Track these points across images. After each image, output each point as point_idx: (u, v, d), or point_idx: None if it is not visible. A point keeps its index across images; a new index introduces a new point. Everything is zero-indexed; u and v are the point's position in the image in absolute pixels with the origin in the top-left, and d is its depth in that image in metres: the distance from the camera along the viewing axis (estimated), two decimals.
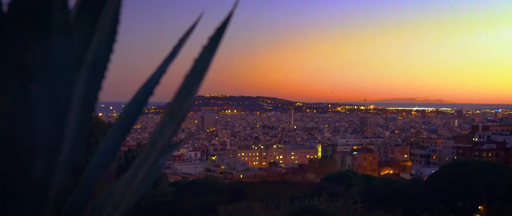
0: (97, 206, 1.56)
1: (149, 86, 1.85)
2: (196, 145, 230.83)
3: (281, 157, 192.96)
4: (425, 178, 73.39)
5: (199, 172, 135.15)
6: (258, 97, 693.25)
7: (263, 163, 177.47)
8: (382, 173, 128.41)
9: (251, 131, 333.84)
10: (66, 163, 1.44)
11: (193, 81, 1.63)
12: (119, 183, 1.61)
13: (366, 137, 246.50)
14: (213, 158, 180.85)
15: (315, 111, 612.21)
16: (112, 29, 1.52)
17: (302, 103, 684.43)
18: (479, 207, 65.92)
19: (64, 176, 1.45)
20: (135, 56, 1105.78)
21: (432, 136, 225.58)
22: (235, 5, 1.77)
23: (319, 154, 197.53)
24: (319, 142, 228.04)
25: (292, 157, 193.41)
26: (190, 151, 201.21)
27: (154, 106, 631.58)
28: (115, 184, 1.65)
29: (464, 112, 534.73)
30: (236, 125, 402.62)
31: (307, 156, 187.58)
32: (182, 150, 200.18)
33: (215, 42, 1.73)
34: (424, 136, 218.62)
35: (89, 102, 1.52)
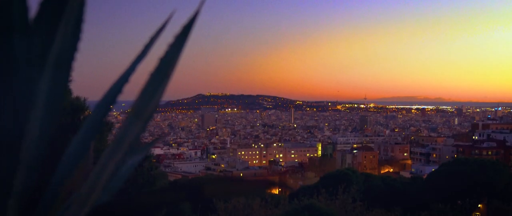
0: (66, 204, 1.54)
1: (118, 85, 1.84)
2: (196, 143, 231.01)
3: (281, 155, 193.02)
4: (425, 177, 73.41)
5: (199, 171, 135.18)
6: (258, 96, 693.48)
7: (263, 162, 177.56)
8: (382, 172, 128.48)
9: (251, 129, 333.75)
10: (31, 161, 1.41)
11: (159, 79, 1.61)
12: (85, 181, 1.58)
13: (366, 136, 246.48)
14: (213, 156, 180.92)
15: (315, 109, 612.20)
16: (76, 28, 1.51)
17: (302, 101, 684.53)
18: (479, 206, 65.99)
19: (29, 174, 1.43)
20: (133, 56, 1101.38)
21: (432, 134, 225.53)
22: (202, 3, 1.72)
23: (319, 152, 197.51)
24: (319, 141, 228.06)
25: (292, 156, 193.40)
26: (190, 149, 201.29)
27: None
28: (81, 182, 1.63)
29: (464, 110, 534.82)
30: (236, 123, 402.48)
31: (307, 155, 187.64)
32: (182, 149, 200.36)
33: (181, 40, 1.71)
34: (424, 135, 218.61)
35: (55, 100, 1.50)
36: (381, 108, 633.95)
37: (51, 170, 1.64)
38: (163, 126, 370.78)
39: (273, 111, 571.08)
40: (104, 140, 10.95)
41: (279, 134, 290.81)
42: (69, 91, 11.40)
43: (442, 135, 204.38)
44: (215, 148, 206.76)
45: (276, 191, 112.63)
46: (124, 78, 1.83)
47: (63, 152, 1.51)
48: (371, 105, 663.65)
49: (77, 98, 10.80)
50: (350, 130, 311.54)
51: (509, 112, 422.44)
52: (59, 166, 1.69)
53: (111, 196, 1.64)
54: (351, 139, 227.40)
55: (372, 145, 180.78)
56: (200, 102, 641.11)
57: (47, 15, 1.39)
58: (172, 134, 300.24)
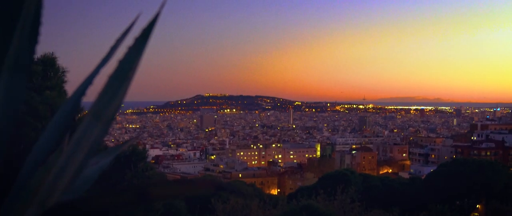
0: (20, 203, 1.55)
1: (82, 87, 1.81)
2: (195, 144, 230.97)
3: (280, 156, 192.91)
4: (423, 177, 73.42)
5: (198, 172, 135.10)
6: (257, 97, 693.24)
7: (262, 163, 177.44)
8: (381, 172, 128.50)
9: (250, 130, 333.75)
10: None
11: (119, 82, 1.61)
12: (41, 182, 1.57)
13: (365, 136, 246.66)
14: (212, 157, 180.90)
15: (314, 110, 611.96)
16: (33, 30, 1.49)
17: (301, 102, 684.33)
18: (478, 206, 65.97)
19: None
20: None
21: (431, 135, 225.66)
22: (162, 6, 1.72)
23: (318, 153, 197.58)
24: (318, 141, 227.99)
25: (291, 157, 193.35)
26: (189, 150, 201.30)
27: (153, 105, 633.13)
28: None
29: (463, 111, 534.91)
30: (235, 124, 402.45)
31: (306, 155, 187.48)
32: (181, 150, 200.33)
33: (142, 43, 1.69)
34: (423, 135, 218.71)
35: (12, 102, 1.50)
36: (380, 108, 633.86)
37: (15, 173, 1.64)
38: (162, 126, 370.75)
39: (272, 111, 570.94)
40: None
41: (278, 134, 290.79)
42: (64, 93, 11.38)
43: (441, 136, 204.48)
44: (214, 149, 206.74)
45: (275, 192, 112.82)
46: (89, 80, 1.80)
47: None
48: (370, 105, 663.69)
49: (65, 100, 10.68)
50: (349, 131, 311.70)
51: (508, 112, 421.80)
52: (24, 166, 1.68)
53: (77, 196, 1.64)
54: (350, 140, 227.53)
55: (371, 145, 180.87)
56: (199, 103, 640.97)
57: (2, 18, 1.38)
58: (171, 135, 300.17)
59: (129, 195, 1.41)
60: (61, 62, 11.76)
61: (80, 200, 1.56)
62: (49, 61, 11.26)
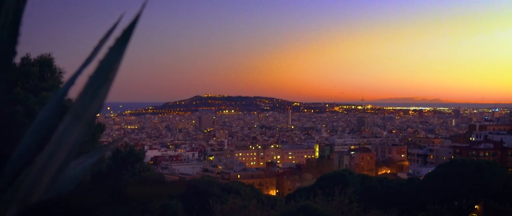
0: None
1: (65, 88, 1.82)
2: (193, 145, 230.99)
3: (278, 157, 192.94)
4: (422, 178, 73.52)
5: (196, 173, 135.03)
6: (255, 97, 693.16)
7: (261, 163, 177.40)
8: (379, 173, 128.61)
9: (248, 131, 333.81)
10: None
11: (99, 82, 1.62)
12: (22, 182, 1.58)
13: (364, 137, 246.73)
14: (211, 158, 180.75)
15: (312, 111, 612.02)
16: (13, 29, 1.50)
17: (299, 103, 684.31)
18: (476, 207, 66.06)
19: None
20: (131, 58, 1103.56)
21: (430, 135, 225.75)
22: (143, 6, 1.72)
23: (317, 154, 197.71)
24: (317, 142, 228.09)
25: (290, 157, 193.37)
26: (187, 151, 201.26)
27: (151, 106, 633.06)
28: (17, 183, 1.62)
29: (461, 112, 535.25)
30: (234, 125, 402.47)
31: (305, 156, 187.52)
32: (180, 151, 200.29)
33: (122, 43, 1.69)
34: (422, 136, 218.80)
35: None
36: (379, 109, 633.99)
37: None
38: (161, 127, 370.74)
39: (270, 112, 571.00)
40: (96, 141, 10.95)
41: (277, 135, 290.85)
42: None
43: (440, 136, 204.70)
44: (212, 150, 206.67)
45: (273, 193, 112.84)
46: (71, 81, 1.80)
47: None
48: (369, 106, 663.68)
49: (69, 100, 10.73)
50: (347, 132, 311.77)
51: (507, 113, 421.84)
52: (6, 167, 1.70)
53: (58, 196, 1.54)
54: (349, 141, 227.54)
55: (369, 146, 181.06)
56: (198, 103, 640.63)
57: None
58: (169, 135, 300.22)
59: (105, 194, 1.42)
60: (58, 63, 11.79)
61: (57, 198, 1.56)
62: (46, 62, 11.28)
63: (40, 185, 1.53)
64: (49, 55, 11.63)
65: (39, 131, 1.79)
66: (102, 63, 1.65)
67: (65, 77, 11.80)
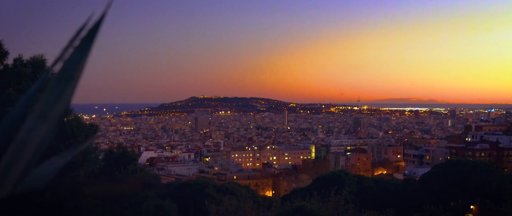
0: None
1: (34, 88, 1.80)
2: (190, 146, 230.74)
3: (274, 158, 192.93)
4: (418, 178, 73.51)
5: (192, 174, 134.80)
6: (251, 98, 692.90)
7: (257, 164, 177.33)
8: (375, 174, 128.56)
9: (244, 132, 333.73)
10: None
11: (64, 82, 1.61)
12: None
13: (360, 138, 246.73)
14: (207, 159, 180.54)
15: (308, 112, 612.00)
16: None
17: (295, 104, 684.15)
18: (472, 207, 66.09)
19: None
20: (128, 59, 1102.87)
21: (426, 136, 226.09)
22: (109, 5, 1.71)
23: (313, 155, 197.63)
24: (313, 143, 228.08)
25: (286, 158, 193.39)
26: (183, 152, 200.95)
27: (147, 108, 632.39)
28: None
29: (457, 112, 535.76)
30: (230, 126, 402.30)
31: (301, 157, 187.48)
32: (176, 152, 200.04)
33: (87, 43, 1.68)
34: (418, 136, 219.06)
35: None
36: (375, 110, 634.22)
37: None
38: (157, 128, 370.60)
39: (266, 113, 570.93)
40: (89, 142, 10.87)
41: (273, 136, 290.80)
42: None
43: (436, 137, 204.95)
44: (208, 151, 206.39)
45: (269, 194, 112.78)
46: (41, 81, 1.78)
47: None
48: (365, 107, 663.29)
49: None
50: (343, 132, 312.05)
51: (502, 113, 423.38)
52: None
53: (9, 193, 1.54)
54: (345, 141, 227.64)
55: (365, 147, 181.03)
56: (194, 104, 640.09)
57: None
58: (165, 137, 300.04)
59: (62, 192, 1.43)
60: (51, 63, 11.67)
61: (15, 195, 1.47)
62: (39, 63, 11.21)
63: (5, 183, 1.52)
64: (42, 56, 11.57)
65: (7, 130, 1.75)
66: (66, 63, 1.64)
67: None
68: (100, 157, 13.39)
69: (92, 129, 10.97)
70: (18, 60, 11.69)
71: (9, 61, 11.71)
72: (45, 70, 11.53)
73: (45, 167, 1.64)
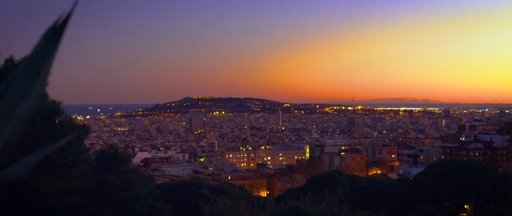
0: None
1: (4, 85, 1.60)
2: (184, 147, 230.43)
3: (269, 158, 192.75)
4: (412, 178, 73.52)
5: (187, 174, 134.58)
6: (246, 99, 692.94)
7: (251, 165, 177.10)
8: (370, 173, 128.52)
9: (239, 132, 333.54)
10: None
11: (30, 80, 1.58)
12: None
13: (354, 138, 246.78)
14: (201, 160, 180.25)
15: (303, 112, 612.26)
16: None
17: (290, 104, 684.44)
18: (466, 206, 66.14)
19: None
20: (122, 60, 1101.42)
21: (420, 136, 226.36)
22: (75, 4, 1.69)
23: (307, 155, 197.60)
24: (307, 143, 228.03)
25: (280, 158, 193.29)
26: (178, 153, 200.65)
27: (142, 108, 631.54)
28: None
29: (451, 112, 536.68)
30: (224, 126, 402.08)
31: (295, 157, 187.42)
32: (170, 152, 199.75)
33: (53, 41, 1.66)
34: (412, 136, 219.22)
35: None
36: (369, 110, 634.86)
37: None
38: (151, 129, 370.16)
39: (261, 113, 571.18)
40: (80, 143, 10.86)
41: (267, 136, 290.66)
42: (45, 95, 11.29)
43: (430, 137, 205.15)
44: (203, 151, 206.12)
45: (264, 194, 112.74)
46: (9, 80, 1.65)
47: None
48: (359, 107, 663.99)
49: (53, 101, 10.69)
50: (338, 133, 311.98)
51: (496, 113, 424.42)
52: None
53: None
54: (339, 141, 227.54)
55: (360, 147, 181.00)
56: (188, 105, 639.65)
57: None
58: (160, 137, 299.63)
59: (15, 189, 1.43)
60: None
61: None
62: None
63: None
64: None
65: None
66: (32, 61, 1.61)
67: (50, 79, 11.66)
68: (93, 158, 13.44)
69: (84, 129, 10.94)
70: (9, 61, 11.63)
71: (0, 61, 11.66)
72: (14, 69, 11.46)
73: (17, 166, 1.66)
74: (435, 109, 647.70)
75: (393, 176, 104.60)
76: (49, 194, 9.28)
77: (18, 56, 12.07)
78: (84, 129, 11.07)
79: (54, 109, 10.43)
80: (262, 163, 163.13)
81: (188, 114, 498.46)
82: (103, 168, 11.17)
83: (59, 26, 1.65)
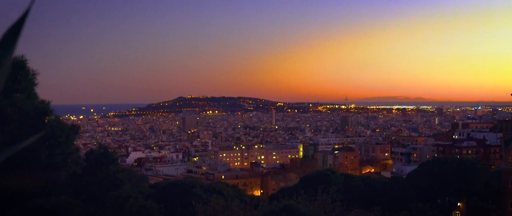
0: None
1: None
2: (177, 146, 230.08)
3: (262, 157, 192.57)
4: (405, 176, 73.58)
5: (180, 174, 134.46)
6: (239, 98, 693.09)
7: (245, 164, 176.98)
8: (363, 172, 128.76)
9: (232, 131, 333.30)
10: None
11: None
12: None
13: (347, 136, 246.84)
14: (195, 159, 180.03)
15: (296, 111, 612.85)
16: None
17: (283, 103, 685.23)
18: (459, 204, 66.30)
19: None
20: (115, 60, 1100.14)
21: (413, 134, 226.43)
22: (32, 2, 1.63)
23: (301, 153, 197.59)
24: (301, 142, 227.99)
25: (274, 157, 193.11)
26: (171, 152, 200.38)
27: (135, 108, 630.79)
28: None
29: (444, 110, 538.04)
30: (218, 126, 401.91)
31: (289, 156, 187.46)
32: (164, 152, 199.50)
33: (10, 40, 1.60)
34: (405, 134, 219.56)
35: None
36: (362, 108, 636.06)
37: None
38: (144, 129, 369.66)
39: (254, 113, 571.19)
40: (70, 143, 10.81)
41: (261, 135, 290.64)
42: (34, 95, 11.25)
43: (423, 135, 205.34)
44: (196, 151, 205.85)
45: (257, 193, 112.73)
46: None
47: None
48: (352, 105, 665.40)
49: (42, 101, 10.64)
50: (331, 131, 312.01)
51: (489, 111, 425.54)
52: None
53: None
54: (332, 140, 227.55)
55: (353, 145, 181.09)
56: (181, 104, 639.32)
57: None
58: (153, 137, 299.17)
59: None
60: (32, 64, 11.61)
61: None
62: (19, 64, 11.08)
63: None
64: (22, 56, 11.43)
65: None
66: None
67: (39, 79, 11.65)
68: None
69: (73, 129, 10.89)
70: None
71: None
72: (25, 71, 11.46)
73: None
74: (428, 107, 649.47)
75: (387, 174, 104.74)
76: (36, 194, 9.29)
77: None
78: (74, 129, 11.02)
79: (43, 109, 10.39)
80: (255, 162, 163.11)
81: (181, 114, 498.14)
82: (93, 168, 11.13)
83: (15, 26, 1.60)
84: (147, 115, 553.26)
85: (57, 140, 10.25)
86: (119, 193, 10.85)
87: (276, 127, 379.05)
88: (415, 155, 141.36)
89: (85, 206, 10.29)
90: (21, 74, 11.42)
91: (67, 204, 9.84)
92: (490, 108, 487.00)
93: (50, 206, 9.35)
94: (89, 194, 11.08)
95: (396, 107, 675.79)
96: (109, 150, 11.54)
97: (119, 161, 12.47)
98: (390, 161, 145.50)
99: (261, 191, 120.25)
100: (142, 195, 21.55)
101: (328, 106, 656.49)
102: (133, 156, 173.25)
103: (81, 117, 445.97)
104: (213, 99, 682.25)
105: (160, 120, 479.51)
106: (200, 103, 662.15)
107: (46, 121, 10.41)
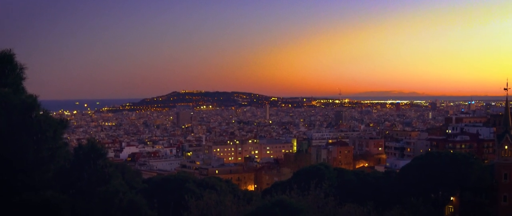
0: None
1: None
2: (171, 141, 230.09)
3: (256, 152, 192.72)
4: (398, 171, 73.61)
5: (174, 169, 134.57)
6: (233, 93, 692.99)
7: (239, 158, 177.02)
8: (357, 166, 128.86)
9: (226, 126, 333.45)
10: None
11: None
12: None
13: (341, 131, 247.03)
14: (189, 154, 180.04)
15: (290, 105, 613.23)
16: None
17: (277, 97, 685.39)
18: (452, 198, 66.44)
19: None
20: (109, 55, 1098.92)
21: (407, 128, 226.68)
22: None
23: (295, 148, 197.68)
24: (295, 137, 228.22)
25: (268, 152, 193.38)
26: (165, 147, 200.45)
27: (129, 103, 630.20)
28: None
29: (438, 105, 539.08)
30: (212, 120, 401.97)
31: (283, 151, 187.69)
32: (157, 147, 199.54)
33: None
34: (399, 129, 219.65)
35: None
36: (356, 103, 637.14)
37: None
38: (138, 124, 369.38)
39: (248, 107, 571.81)
40: (58, 138, 10.73)
41: (255, 130, 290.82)
42: (22, 89, 11.15)
43: (417, 129, 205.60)
44: (190, 146, 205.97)
45: (251, 188, 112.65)
46: None
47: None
48: (346, 100, 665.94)
49: (30, 96, 10.55)
50: (325, 126, 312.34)
51: (482, 105, 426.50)
52: None
53: None
54: (326, 135, 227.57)
55: (347, 140, 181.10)
56: (175, 99, 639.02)
57: None
58: (147, 132, 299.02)
59: None
60: (19, 59, 11.49)
61: None
62: (6, 58, 10.97)
63: None
64: (10, 51, 11.31)
65: None
66: None
67: (27, 73, 11.54)
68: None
69: (62, 124, 10.79)
70: None
71: None
72: (12, 65, 11.37)
73: None
74: (422, 101, 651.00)
75: (380, 168, 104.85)
76: (22, 189, 9.24)
77: None
78: (62, 124, 10.92)
79: (30, 103, 10.29)
80: (249, 157, 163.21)
81: (175, 109, 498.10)
82: (81, 163, 11.05)
83: None
84: (141, 110, 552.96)
85: (44, 134, 10.17)
86: (107, 188, 10.78)
87: (270, 122, 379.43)
88: (408, 149, 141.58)
89: (72, 201, 10.22)
90: (8, 69, 11.32)
91: (54, 199, 9.77)
92: (483, 103, 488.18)
93: (37, 201, 9.29)
94: (76, 189, 11.00)
95: (390, 101, 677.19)
96: (98, 144, 11.46)
97: (107, 155, 12.35)
98: (383, 156, 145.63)
99: (255, 185, 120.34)
100: (134, 190, 21.43)
101: (322, 101, 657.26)
102: (127, 151, 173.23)
103: (75, 112, 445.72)
104: (207, 94, 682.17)
105: (154, 115, 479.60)
106: (194, 98, 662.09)
107: (33, 116, 10.32)
